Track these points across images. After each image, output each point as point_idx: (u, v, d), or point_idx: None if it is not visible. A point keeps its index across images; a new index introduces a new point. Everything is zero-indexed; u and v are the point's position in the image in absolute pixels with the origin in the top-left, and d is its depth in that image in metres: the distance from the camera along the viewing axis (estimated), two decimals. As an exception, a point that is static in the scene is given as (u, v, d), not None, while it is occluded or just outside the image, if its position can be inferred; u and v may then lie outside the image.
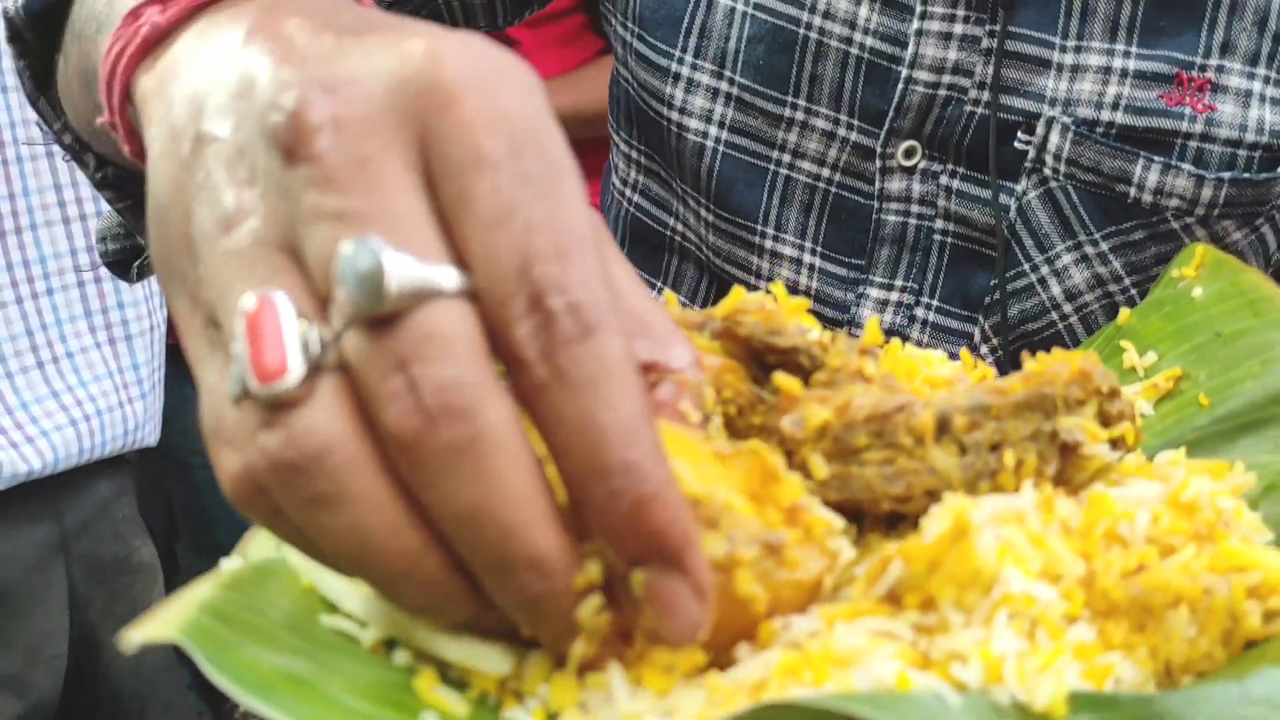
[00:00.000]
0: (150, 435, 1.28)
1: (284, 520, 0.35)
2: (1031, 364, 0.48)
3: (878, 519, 0.46)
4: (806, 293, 0.85)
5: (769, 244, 0.84)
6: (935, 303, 0.83)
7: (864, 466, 0.44)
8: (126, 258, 0.74)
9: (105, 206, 1.16)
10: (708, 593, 0.35)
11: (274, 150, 0.35)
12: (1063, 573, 0.41)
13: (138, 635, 0.34)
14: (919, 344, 0.82)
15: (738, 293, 0.50)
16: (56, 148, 1.07)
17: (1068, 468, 0.47)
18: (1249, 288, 0.65)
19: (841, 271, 0.84)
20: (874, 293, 0.83)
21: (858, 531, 0.45)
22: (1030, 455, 0.46)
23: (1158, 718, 0.37)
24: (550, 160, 0.35)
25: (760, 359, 0.50)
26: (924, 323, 0.83)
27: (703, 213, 0.86)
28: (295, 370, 0.33)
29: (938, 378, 0.57)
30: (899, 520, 0.46)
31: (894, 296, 0.83)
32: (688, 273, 0.90)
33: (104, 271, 1.13)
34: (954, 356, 0.76)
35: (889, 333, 0.82)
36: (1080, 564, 0.41)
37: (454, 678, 0.38)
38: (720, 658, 0.38)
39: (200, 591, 0.38)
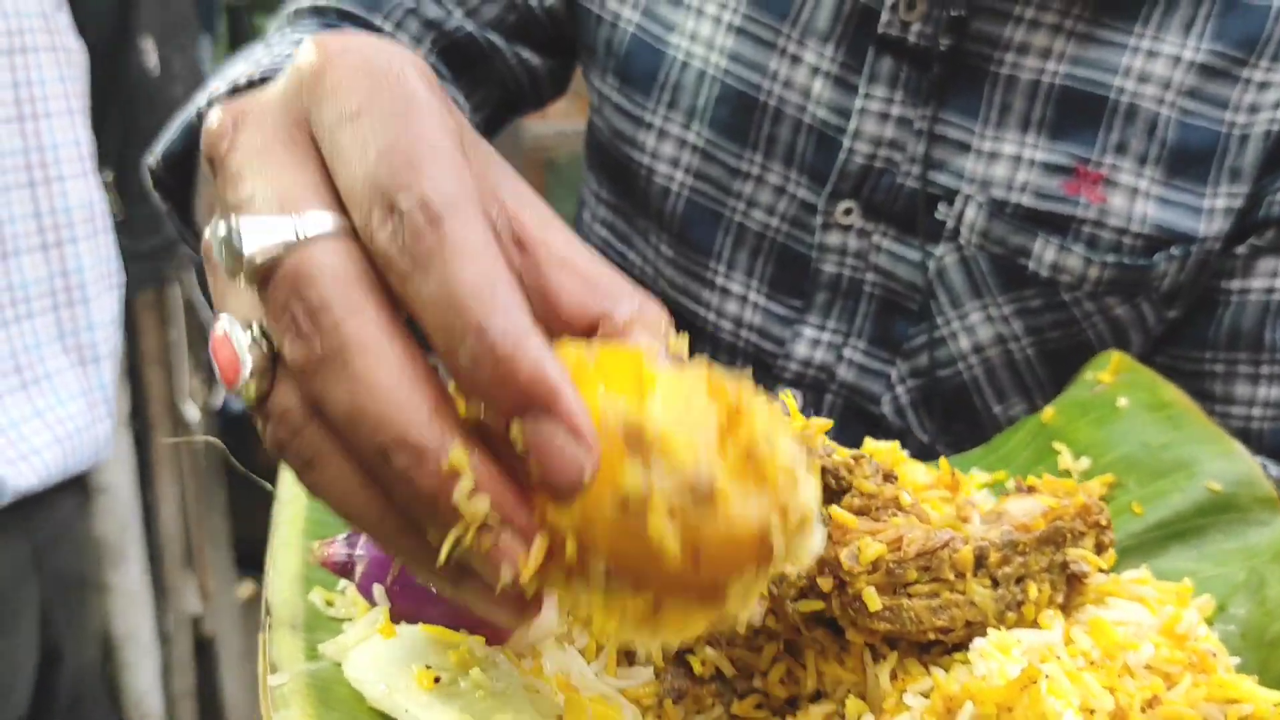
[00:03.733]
0: (110, 454, 1.19)
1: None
2: (1043, 496, 0.48)
3: (912, 644, 0.45)
4: (750, 327, 0.85)
5: (720, 280, 0.85)
6: (862, 344, 0.84)
7: (913, 599, 0.43)
8: None
9: (80, 231, 1.10)
10: (585, 433, 0.32)
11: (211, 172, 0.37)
12: (1096, 707, 0.41)
13: None
14: (844, 382, 0.83)
15: None
16: (36, 176, 1.01)
17: (1072, 593, 0.47)
18: (1170, 401, 0.66)
19: (782, 310, 0.84)
20: (808, 332, 0.84)
21: (898, 657, 0.44)
22: (1046, 586, 0.46)
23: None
24: (400, 94, 0.35)
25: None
26: (850, 361, 0.84)
27: (663, 248, 0.87)
28: (247, 366, 0.34)
29: (919, 483, 0.57)
30: (932, 645, 0.45)
31: (825, 336, 0.84)
32: None
33: (76, 295, 1.06)
34: (874, 398, 0.75)
35: (819, 368, 0.83)
36: (1109, 697, 0.41)
37: None
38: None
39: None
